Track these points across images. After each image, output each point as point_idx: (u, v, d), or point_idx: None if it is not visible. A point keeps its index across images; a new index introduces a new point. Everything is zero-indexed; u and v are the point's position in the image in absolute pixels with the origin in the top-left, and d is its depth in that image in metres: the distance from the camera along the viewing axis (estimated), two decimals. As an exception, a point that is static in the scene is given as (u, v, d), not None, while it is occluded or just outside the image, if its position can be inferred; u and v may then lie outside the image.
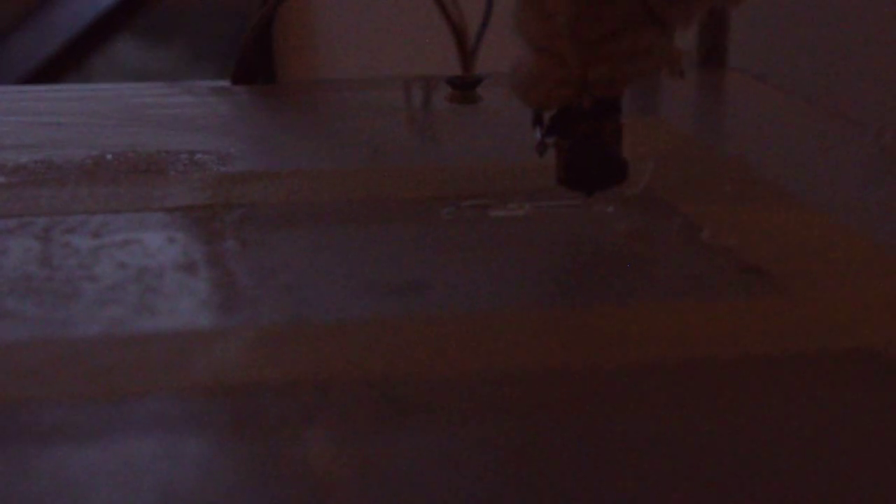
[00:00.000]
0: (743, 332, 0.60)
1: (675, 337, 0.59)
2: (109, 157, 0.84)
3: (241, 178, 0.80)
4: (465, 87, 0.96)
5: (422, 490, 0.47)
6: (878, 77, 1.20)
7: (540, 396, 0.54)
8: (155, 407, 0.53)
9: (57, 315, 0.60)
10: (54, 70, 2.92)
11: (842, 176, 0.85)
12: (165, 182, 0.79)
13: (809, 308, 0.62)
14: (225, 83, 1.06)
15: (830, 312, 0.62)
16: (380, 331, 0.59)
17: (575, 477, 0.48)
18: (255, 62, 1.05)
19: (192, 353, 0.57)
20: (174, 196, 0.77)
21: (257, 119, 0.98)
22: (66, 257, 0.67)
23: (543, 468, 0.49)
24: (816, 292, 0.64)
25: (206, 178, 0.80)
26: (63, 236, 0.70)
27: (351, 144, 0.89)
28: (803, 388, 0.55)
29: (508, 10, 0.72)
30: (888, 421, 0.52)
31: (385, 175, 0.81)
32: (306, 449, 0.50)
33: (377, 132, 0.93)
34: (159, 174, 0.81)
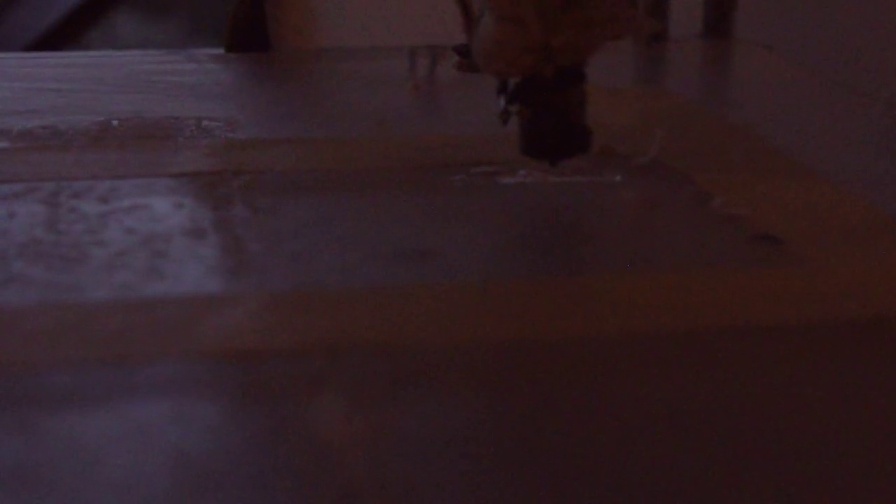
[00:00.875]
0: (755, 301, 0.59)
1: (686, 305, 0.59)
2: (115, 123, 0.84)
3: (249, 145, 0.80)
4: (471, 55, 0.96)
5: (431, 455, 0.47)
6: (886, 48, 1.20)
7: (547, 364, 0.54)
8: (165, 371, 0.52)
9: (65, 279, 0.60)
10: (52, 43, 2.91)
11: (851, 145, 0.85)
12: (173, 148, 0.79)
13: (822, 276, 0.62)
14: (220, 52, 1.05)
15: (843, 280, 0.61)
16: (388, 297, 0.59)
17: (583, 443, 0.48)
18: (248, 30, 1.05)
19: (201, 318, 0.56)
20: (182, 162, 0.76)
21: (264, 87, 0.97)
22: (73, 222, 0.67)
23: (552, 434, 0.49)
24: (828, 260, 0.64)
25: (214, 145, 0.80)
26: (70, 201, 0.70)
27: (358, 113, 0.89)
28: (816, 357, 0.55)
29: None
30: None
31: (392, 143, 0.81)
32: (317, 414, 0.50)
33: (384, 101, 0.92)
34: (166, 140, 0.81)
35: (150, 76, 0.97)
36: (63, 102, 0.89)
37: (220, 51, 1.06)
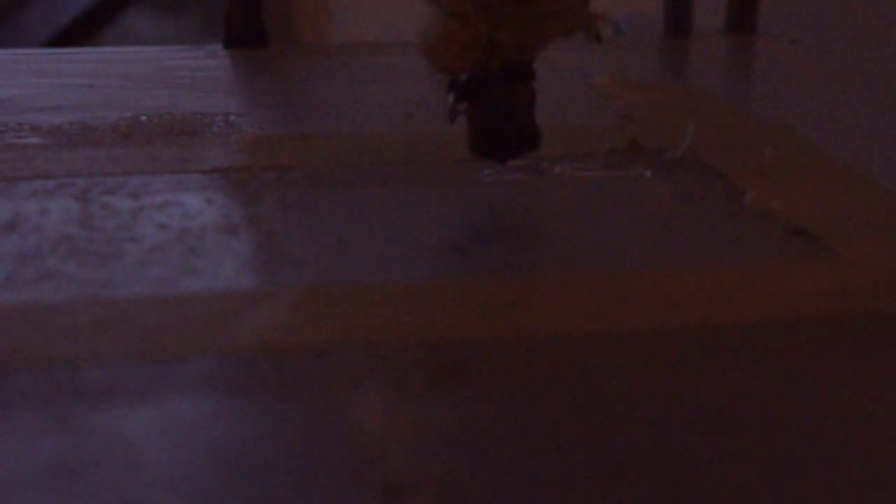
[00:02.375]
0: (791, 295, 0.59)
1: (723, 300, 0.58)
2: (143, 118, 0.84)
3: (279, 141, 0.80)
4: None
5: (470, 449, 0.47)
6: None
7: (586, 359, 0.54)
8: (202, 368, 0.52)
9: (100, 275, 0.60)
10: (66, 42, 2.91)
11: (879, 138, 0.85)
12: (202, 144, 0.79)
13: (855, 270, 0.62)
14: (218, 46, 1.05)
15: (876, 274, 0.61)
16: (424, 292, 0.59)
17: (620, 437, 0.48)
18: (244, 26, 1.05)
19: (236, 315, 0.56)
20: (211, 158, 0.76)
21: (288, 81, 0.97)
22: (106, 218, 0.67)
23: (594, 429, 0.49)
24: (862, 254, 0.63)
25: (243, 141, 0.79)
26: (102, 197, 0.70)
27: (384, 108, 0.89)
28: (852, 349, 0.55)
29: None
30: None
31: (421, 139, 0.81)
32: (359, 409, 0.50)
33: (409, 96, 0.92)
34: (195, 136, 0.80)
35: (176, 71, 0.97)
36: (91, 98, 0.89)
37: (214, 46, 1.06)
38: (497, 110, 0.67)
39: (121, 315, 0.56)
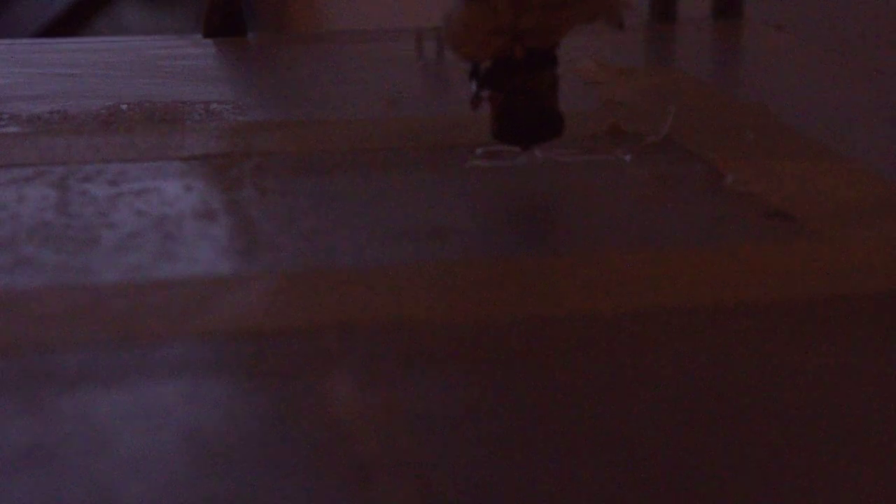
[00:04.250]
0: (769, 276, 0.59)
1: (697, 282, 0.58)
2: (124, 107, 0.84)
3: (258, 127, 0.80)
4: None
5: (441, 430, 0.47)
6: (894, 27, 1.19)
7: (560, 340, 0.54)
8: (177, 352, 0.52)
9: (76, 262, 0.60)
10: (59, 32, 2.90)
11: (863, 122, 0.85)
12: (182, 131, 0.79)
13: (834, 251, 0.62)
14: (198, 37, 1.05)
15: (853, 256, 0.61)
16: (400, 276, 0.59)
17: (590, 419, 0.48)
18: (223, 16, 1.05)
19: (213, 299, 0.56)
20: (191, 145, 0.76)
21: (271, 70, 0.97)
22: (83, 205, 0.67)
23: (559, 410, 0.49)
24: (840, 236, 0.63)
25: (223, 128, 0.79)
26: (80, 184, 0.70)
27: (367, 94, 0.89)
28: (828, 331, 0.55)
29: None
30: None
31: (401, 124, 0.81)
32: (330, 392, 0.50)
33: (393, 82, 0.92)
34: (175, 124, 0.80)
35: (158, 61, 0.97)
36: (72, 87, 0.89)
37: (195, 35, 1.05)
38: (521, 97, 0.68)
39: (96, 300, 0.56)
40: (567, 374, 0.51)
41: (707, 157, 0.75)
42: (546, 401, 0.49)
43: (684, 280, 0.59)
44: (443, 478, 0.44)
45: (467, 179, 0.72)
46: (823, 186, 0.70)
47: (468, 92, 0.70)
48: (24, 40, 1.06)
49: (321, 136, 0.79)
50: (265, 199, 0.68)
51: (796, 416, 0.48)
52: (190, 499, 0.43)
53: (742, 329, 0.55)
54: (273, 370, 0.51)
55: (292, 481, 0.44)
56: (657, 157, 0.75)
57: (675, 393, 0.50)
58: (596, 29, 0.90)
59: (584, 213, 0.69)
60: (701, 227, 0.65)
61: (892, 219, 0.66)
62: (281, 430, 0.47)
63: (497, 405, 0.49)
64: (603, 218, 0.67)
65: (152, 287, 0.57)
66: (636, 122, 0.81)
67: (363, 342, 0.53)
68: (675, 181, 0.72)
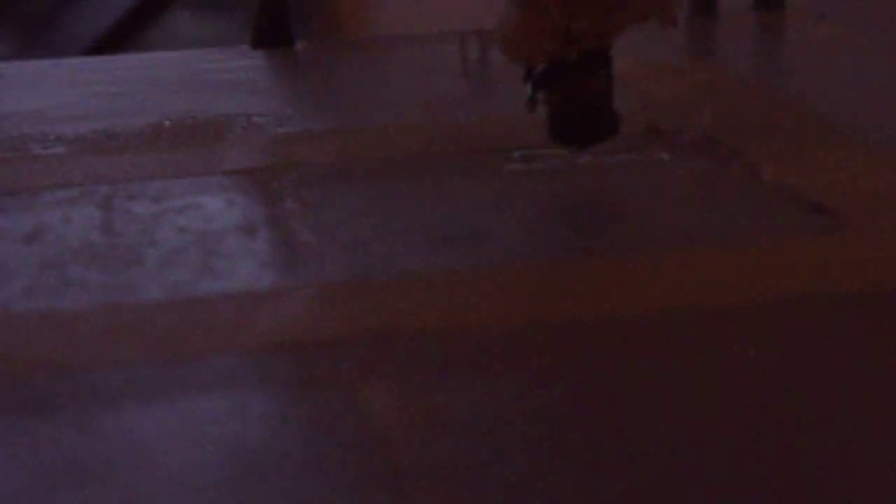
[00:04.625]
0: (809, 271, 0.59)
1: (735, 279, 0.59)
2: (167, 123, 0.85)
3: (299, 139, 0.81)
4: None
5: (482, 438, 0.48)
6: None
7: (601, 343, 0.54)
8: (220, 367, 0.53)
9: (121, 280, 0.61)
10: (112, 44, 2.93)
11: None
12: (223, 146, 0.80)
13: (871, 245, 0.62)
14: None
15: (889, 249, 0.61)
16: (439, 283, 0.59)
17: (633, 423, 0.48)
18: (271, 27, 1.06)
19: (255, 313, 0.57)
20: (232, 159, 0.77)
21: (313, 79, 0.98)
22: (127, 224, 0.68)
23: (609, 417, 0.49)
24: (879, 230, 0.63)
25: (263, 140, 0.80)
26: (124, 203, 0.71)
27: (407, 100, 0.89)
28: (867, 325, 0.55)
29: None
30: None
31: (440, 129, 0.81)
32: (371, 401, 0.50)
33: (435, 87, 0.92)
34: (217, 138, 0.81)
35: (203, 74, 0.98)
36: (116, 106, 0.90)
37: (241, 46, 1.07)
38: (576, 99, 0.69)
39: (140, 318, 0.57)
40: (609, 377, 0.52)
41: (744, 153, 0.75)
42: (587, 406, 0.50)
43: (718, 279, 0.59)
44: (481, 484, 0.45)
45: (506, 182, 0.73)
46: (862, 181, 0.70)
47: (520, 94, 0.70)
48: (70, 59, 1.07)
49: (360, 145, 0.80)
50: (306, 211, 0.69)
51: (832, 405, 0.48)
52: (231, 513, 0.44)
53: (783, 325, 0.55)
54: (314, 381, 0.52)
55: (334, 491, 0.45)
56: (693, 154, 0.75)
57: (719, 393, 0.50)
58: (643, 26, 0.91)
59: (623, 214, 0.69)
60: (735, 222, 0.65)
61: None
62: (322, 441, 0.48)
63: (537, 412, 0.49)
64: (642, 218, 0.67)
65: (193, 303, 0.58)
66: (674, 119, 0.82)
67: (402, 351, 0.54)
68: (713, 179, 0.72)
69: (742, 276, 0.59)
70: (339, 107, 0.89)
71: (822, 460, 0.46)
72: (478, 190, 0.72)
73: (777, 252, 0.61)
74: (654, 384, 0.51)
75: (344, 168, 0.76)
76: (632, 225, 0.67)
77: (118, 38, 2.96)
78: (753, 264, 0.60)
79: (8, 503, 0.45)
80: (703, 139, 0.78)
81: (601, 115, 0.70)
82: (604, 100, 0.69)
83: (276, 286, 0.60)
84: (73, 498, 0.44)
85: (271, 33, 1.06)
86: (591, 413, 0.49)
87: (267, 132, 0.83)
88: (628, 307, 0.57)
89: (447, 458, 0.47)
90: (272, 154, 0.78)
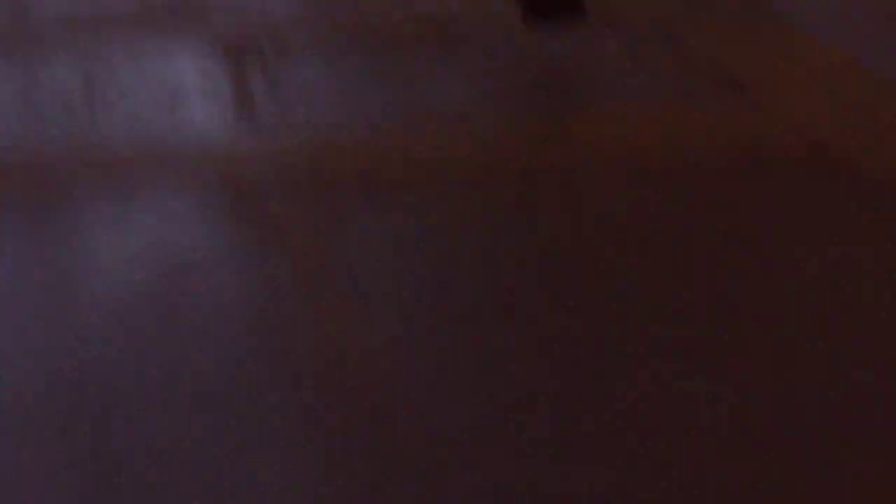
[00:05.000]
0: (707, 136, 0.63)
1: (646, 141, 0.63)
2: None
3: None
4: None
5: (387, 267, 0.52)
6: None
7: (514, 191, 0.59)
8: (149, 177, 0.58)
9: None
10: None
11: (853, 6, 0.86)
12: (211, 22, 0.83)
13: (770, 113, 0.66)
14: None
15: (788, 115, 0.65)
16: (379, 136, 0.63)
17: (537, 258, 0.53)
18: None
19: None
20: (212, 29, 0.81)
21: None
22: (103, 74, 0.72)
23: (508, 257, 0.54)
24: (782, 101, 0.67)
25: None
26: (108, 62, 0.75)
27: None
28: (744, 187, 0.59)
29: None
30: (832, 218, 0.55)
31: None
32: (285, 221, 0.56)
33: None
34: (204, 15, 0.85)
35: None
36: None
37: None
38: None
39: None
40: (516, 220, 0.56)
41: (679, 33, 0.78)
42: (486, 247, 0.54)
43: (624, 139, 0.63)
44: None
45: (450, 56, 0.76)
46: (779, 57, 0.74)
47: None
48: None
49: (338, 25, 0.83)
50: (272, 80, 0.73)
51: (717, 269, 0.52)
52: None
53: (682, 185, 0.59)
54: (233, 189, 0.56)
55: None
56: (625, 31, 0.78)
57: (609, 246, 0.54)
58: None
59: (536, 82, 0.72)
60: (651, 89, 0.69)
61: (837, 87, 0.69)
62: (239, 246, 0.52)
63: (443, 245, 0.54)
64: (568, 86, 0.72)
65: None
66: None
67: (330, 183, 0.58)
68: (633, 48, 0.75)
69: (640, 139, 0.63)
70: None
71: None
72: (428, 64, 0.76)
73: (672, 119, 0.64)
74: (552, 227, 0.56)
75: (322, 42, 0.80)
76: (558, 92, 0.70)
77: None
78: (648, 129, 0.64)
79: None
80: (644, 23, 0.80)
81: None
82: None
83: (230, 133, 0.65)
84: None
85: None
86: (496, 252, 0.54)
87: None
88: (532, 160, 0.61)
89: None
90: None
